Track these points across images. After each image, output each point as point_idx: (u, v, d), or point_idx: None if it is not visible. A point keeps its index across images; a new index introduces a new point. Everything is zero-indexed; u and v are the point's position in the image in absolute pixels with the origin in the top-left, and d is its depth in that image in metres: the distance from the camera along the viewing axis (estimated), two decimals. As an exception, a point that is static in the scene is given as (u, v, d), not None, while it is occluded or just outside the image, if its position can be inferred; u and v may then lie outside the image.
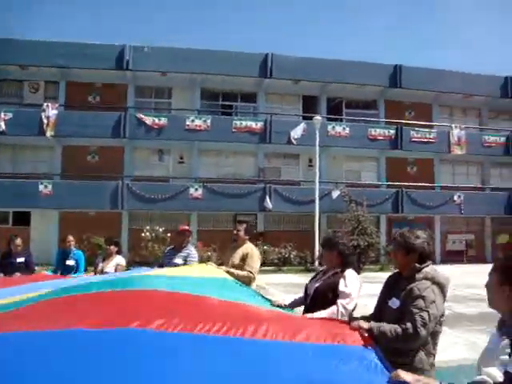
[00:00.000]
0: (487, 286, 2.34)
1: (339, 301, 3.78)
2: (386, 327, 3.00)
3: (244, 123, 25.14)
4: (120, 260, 7.56)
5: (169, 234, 21.55)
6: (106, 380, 2.06)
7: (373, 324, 3.01)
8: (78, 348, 2.27)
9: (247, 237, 5.92)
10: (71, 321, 2.55)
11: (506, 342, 2.12)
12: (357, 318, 3.20)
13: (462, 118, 30.49)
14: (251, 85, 26.74)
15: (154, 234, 22.45)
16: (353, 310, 3.86)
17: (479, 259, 27.07)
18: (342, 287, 3.84)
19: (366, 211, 23.55)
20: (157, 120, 24.37)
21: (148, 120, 24.22)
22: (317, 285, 4.03)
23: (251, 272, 5.57)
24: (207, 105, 27.25)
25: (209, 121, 24.78)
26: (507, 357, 2.03)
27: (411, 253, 3.24)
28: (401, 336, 2.95)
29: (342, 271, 3.96)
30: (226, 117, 26.02)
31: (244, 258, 5.66)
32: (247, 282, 5.38)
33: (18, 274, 6.79)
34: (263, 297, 4.22)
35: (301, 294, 4.34)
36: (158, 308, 2.84)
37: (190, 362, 2.22)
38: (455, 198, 27.35)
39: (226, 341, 2.45)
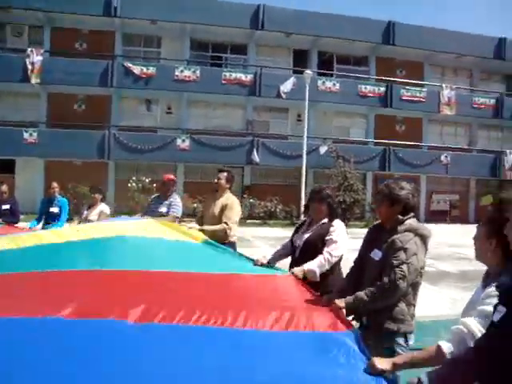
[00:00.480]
0: (475, 238, 2.36)
1: (325, 249, 3.84)
2: (361, 294, 3.02)
3: (234, 75, 24.86)
4: (104, 208, 7.55)
5: (155, 185, 21.51)
6: (78, 372, 1.99)
7: (347, 299, 3.02)
8: (55, 338, 2.23)
9: (228, 186, 5.80)
10: (46, 307, 2.51)
11: (490, 290, 2.14)
12: (335, 296, 3.18)
13: (452, 79, 30.40)
14: (242, 36, 26.30)
15: (140, 185, 22.39)
16: (340, 260, 3.94)
17: (462, 220, 27.50)
18: (329, 236, 3.91)
19: (352, 168, 23.75)
20: (145, 69, 23.96)
21: (136, 69, 23.80)
22: (306, 236, 4.06)
23: (226, 223, 5.45)
24: (197, 55, 26.76)
25: (198, 72, 24.44)
26: (487, 307, 2.05)
27: (395, 204, 3.21)
28: (379, 294, 2.98)
29: (330, 221, 4.02)
30: (216, 68, 25.68)
31: (223, 210, 5.56)
32: (223, 234, 5.38)
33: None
34: (246, 257, 4.14)
35: (279, 246, 4.40)
36: (134, 295, 2.77)
37: (169, 355, 2.16)
38: (442, 158, 27.52)
39: (205, 331, 2.41)
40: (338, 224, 4.00)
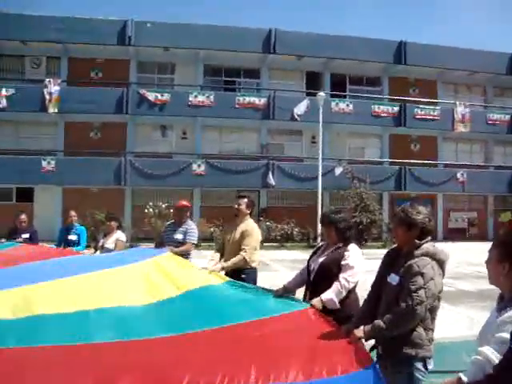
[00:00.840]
0: (487, 262, 2.35)
1: (341, 275, 3.83)
2: (378, 322, 3.03)
3: (247, 99, 25.07)
4: (120, 235, 7.54)
5: (172, 210, 21.62)
6: None
7: (366, 328, 3.04)
8: None
9: (248, 211, 5.76)
10: None
11: (506, 316, 2.13)
12: (354, 324, 3.21)
13: (466, 96, 30.29)
14: (254, 61, 26.58)
15: (156, 210, 22.48)
16: (355, 286, 3.93)
17: (481, 237, 27.17)
18: (344, 261, 3.89)
19: (368, 188, 23.70)
20: (159, 96, 24.31)
21: (150, 96, 24.15)
22: (321, 259, 4.06)
23: (245, 250, 5.45)
24: (210, 81, 27.13)
25: (212, 97, 24.71)
26: (503, 334, 2.04)
27: (413, 228, 3.19)
28: (397, 320, 2.98)
29: (345, 245, 4.02)
30: (229, 93, 25.94)
31: (243, 236, 5.55)
32: (243, 263, 5.43)
33: None
34: (264, 290, 4.09)
35: (298, 271, 4.37)
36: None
37: None
38: (458, 175, 27.33)
39: None
40: (353, 248, 4.00)
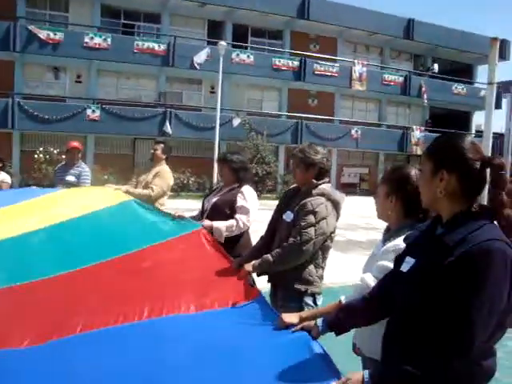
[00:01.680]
0: (375, 198, 2.48)
1: (239, 216, 3.84)
2: (267, 256, 3.08)
3: (146, 44, 24.19)
4: (4, 177, 7.20)
5: (63, 156, 20.78)
6: None
7: (254, 263, 3.07)
8: None
9: (164, 156, 5.80)
10: None
11: (389, 245, 2.25)
12: (245, 259, 3.22)
13: (364, 55, 31.32)
14: (155, 4, 25.62)
15: (47, 156, 21.55)
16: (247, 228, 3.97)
17: (371, 192, 28.51)
18: (240, 202, 3.90)
19: (265, 140, 24.09)
20: (52, 34, 22.75)
21: (42, 34, 22.54)
22: (214, 199, 4.07)
23: (152, 189, 5.48)
24: (108, 22, 25.77)
25: (109, 39, 23.53)
26: (386, 262, 2.14)
27: (310, 168, 3.24)
28: (285, 255, 3.05)
29: (239, 187, 4.01)
30: (128, 36, 24.84)
31: (154, 177, 5.61)
32: (147, 199, 5.28)
33: None
34: (164, 213, 3.96)
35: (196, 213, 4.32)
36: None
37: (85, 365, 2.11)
38: (353, 132, 28.49)
39: (119, 331, 2.40)
40: (247, 190, 4.01)
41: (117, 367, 2.05)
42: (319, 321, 2.02)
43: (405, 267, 1.80)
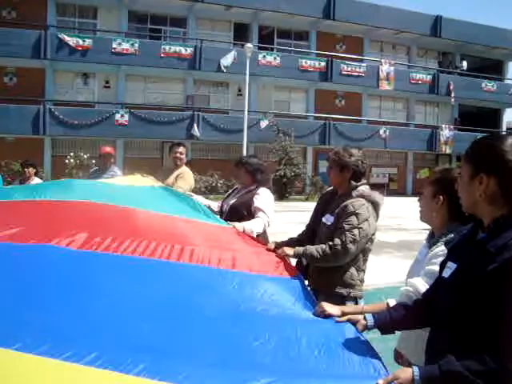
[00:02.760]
0: (420, 199, 2.45)
1: (261, 214, 3.92)
2: (311, 249, 3.08)
3: (173, 48, 24.41)
4: (38, 181, 7.12)
5: (94, 161, 21.08)
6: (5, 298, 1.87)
7: (297, 249, 3.08)
8: None
9: (185, 159, 5.92)
10: None
11: (437, 250, 2.23)
12: (280, 245, 3.20)
13: (391, 54, 31.10)
14: (181, 8, 25.82)
15: (78, 161, 21.86)
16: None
17: (400, 193, 28.49)
18: (258, 203, 3.97)
19: (293, 142, 24.09)
20: (81, 41, 23.16)
21: (71, 41, 22.98)
22: (232, 201, 4.15)
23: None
24: (135, 28, 26.22)
25: (136, 44, 23.83)
26: (434, 266, 2.12)
27: (345, 170, 3.25)
28: (329, 254, 3.03)
29: (256, 189, 4.10)
30: (155, 41, 25.12)
31: (176, 179, 5.63)
32: None
33: None
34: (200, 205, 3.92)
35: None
36: (80, 222, 2.66)
37: (109, 288, 2.06)
38: (381, 132, 28.27)
39: (150, 263, 2.37)
40: (264, 192, 4.09)
41: (148, 299, 2.00)
42: (369, 315, 1.95)
43: (446, 272, 1.79)
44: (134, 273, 2.24)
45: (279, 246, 3.13)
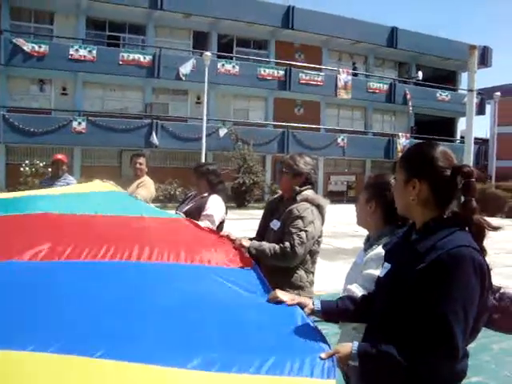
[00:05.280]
0: (357, 204, 2.57)
1: (205, 222, 4.03)
2: (265, 246, 3.21)
3: (132, 56, 24.82)
4: None
5: (50, 169, 21.19)
6: None
7: (253, 242, 3.21)
8: None
9: (146, 169, 6.01)
10: None
11: (372, 253, 2.33)
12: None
13: (349, 64, 32.35)
14: (140, 16, 26.30)
15: (33, 169, 21.91)
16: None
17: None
18: (206, 211, 4.21)
19: (252, 150, 24.80)
20: (37, 47, 23.23)
21: (27, 46, 23.02)
22: (186, 208, 4.36)
23: (136, 198, 5.56)
24: (93, 34, 26.49)
25: (94, 51, 24.14)
26: (370, 270, 2.21)
27: (298, 177, 3.39)
28: (279, 254, 3.17)
29: (209, 196, 4.35)
30: (113, 48, 25.45)
31: (137, 187, 5.74)
32: None
33: None
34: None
35: None
36: (42, 234, 2.75)
37: (72, 291, 2.17)
38: (339, 140, 29.41)
39: (112, 265, 2.48)
40: (214, 198, 4.32)
41: (104, 297, 2.11)
42: (316, 301, 2.04)
43: (382, 272, 1.90)
44: (96, 275, 2.36)
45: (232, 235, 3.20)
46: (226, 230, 3.42)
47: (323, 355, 1.68)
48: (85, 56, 23.96)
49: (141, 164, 5.92)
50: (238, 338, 1.86)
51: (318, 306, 2.01)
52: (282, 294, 2.14)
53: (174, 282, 2.37)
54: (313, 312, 2.01)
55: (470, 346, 1.74)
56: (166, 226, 3.31)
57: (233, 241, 3.07)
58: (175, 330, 1.88)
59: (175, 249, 2.72)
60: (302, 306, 2.03)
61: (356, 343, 1.70)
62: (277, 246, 3.19)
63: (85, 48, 24.22)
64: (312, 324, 1.95)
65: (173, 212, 4.55)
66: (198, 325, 1.93)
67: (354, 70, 30.61)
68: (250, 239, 3.42)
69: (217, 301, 2.18)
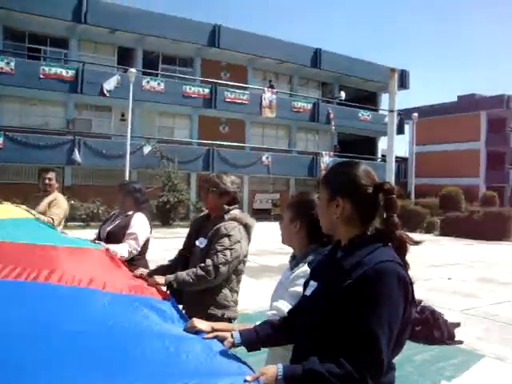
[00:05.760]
0: (281, 224, 2.52)
1: (128, 241, 4.14)
2: (183, 274, 3.12)
3: (53, 70, 24.25)
4: None
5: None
6: None
7: (168, 277, 3.08)
8: None
9: (57, 184, 5.84)
10: None
11: (298, 271, 2.31)
12: (150, 274, 3.15)
13: (274, 83, 33.15)
14: (63, 29, 25.88)
15: None
16: (143, 251, 4.32)
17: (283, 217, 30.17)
18: (131, 229, 4.21)
19: (177, 168, 24.91)
20: None
21: None
22: (109, 228, 4.33)
23: (52, 219, 5.31)
24: (11, 45, 25.68)
25: (12, 63, 23.31)
26: (297, 288, 2.18)
27: (224, 196, 3.40)
28: (201, 275, 3.12)
29: (133, 214, 4.33)
30: (34, 61, 24.78)
31: (49, 206, 5.54)
32: None
33: None
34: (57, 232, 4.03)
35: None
36: None
37: None
38: (263, 158, 30.05)
39: (15, 285, 2.35)
40: (138, 217, 4.32)
41: (8, 318, 1.98)
42: (235, 333, 1.97)
43: (308, 291, 1.90)
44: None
45: (149, 275, 3.09)
46: (140, 269, 3.24)
47: (248, 378, 1.65)
48: (2, 68, 23.11)
49: (50, 180, 5.73)
50: (157, 365, 1.78)
51: (237, 338, 1.94)
52: (199, 323, 2.10)
53: (86, 306, 2.25)
54: (233, 345, 1.94)
55: (396, 358, 1.77)
56: (81, 253, 3.19)
57: (146, 280, 2.96)
58: (86, 357, 1.77)
59: (89, 274, 2.61)
60: (220, 339, 1.96)
61: (281, 366, 1.69)
62: (195, 269, 3.16)
63: (2, 60, 23.31)
64: (232, 355, 1.89)
65: (95, 231, 4.59)
66: (112, 352, 1.84)
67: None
68: (163, 268, 3.42)
69: (131, 328, 2.08)
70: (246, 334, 1.97)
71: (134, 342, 1.94)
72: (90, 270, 2.76)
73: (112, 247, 3.86)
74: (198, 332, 2.06)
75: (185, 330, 2.11)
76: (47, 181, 5.68)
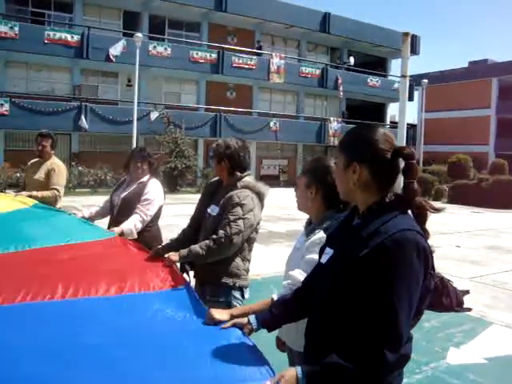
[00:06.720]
0: (296, 189, 2.52)
1: (140, 208, 4.21)
2: (196, 247, 3.12)
3: (58, 35, 23.94)
4: None
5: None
6: None
7: (182, 252, 3.09)
8: None
9: (53, 151, 5.63)
10: None
11: (314, 238, 2.30)
12: (163, 250, 3.22)
13: (282, 48, 32.83)
14: (67, -8, 25.42)
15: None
16: (156, 217, 4.39)
17: (291, 183, 30.23)
18: (145, 194, 4.26)
19: (184, 134, 24.86)
20: (-50, 21, 22.07)
21: None
22: (123, 194, 4.36)
23: (57, 190, 5.35)
24: (14, 9, 25.26)
25: (16, 28, 22.96)
26: (313, 255, 2.15)
27: (222, 162, 3.37)
28: (214, 248, 3.11)
29: (148, 180, 4.38)
30: (38, 25, 24.43)
31: (49, 175, 5.42)
32: (53, 201, 5.22)
33: None
34: (68, 213, 4.15)
35: (97, 207, 4.60)
36: None
37: None
38: (271, 124, 29.92)
39: (33, 307, 2.32)
40: (154, 183, 4.40)
41: (26, 342, 1.98)
42: (252, 318, 1.98)
43: (324, 258, 1.86)
44: (15, 320, 2.22)
45: (163, 251, 3.16)
46: (153, 248, 3.31)
47: (269, 383, 1.64)
48: (6, 32, 22.73)
49: (44, 146, 5.51)
50: (180, 370, 1.80)
51: (254, 323, 1.95)
52: (217, 314, 2.10)
53: (102, 317, 2.27)
54: (252, 330, 1.97)
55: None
56: (94, 253, 3.18)
57: (162, 258, 3.02)
58: (107, 370, 1.79)
59: (103, 279, 2.62)
60: (239, 326, 1.98)
61: (299, 368, 1.64)
62: (208, 242, 3.14)
63: (5, 24, 22.92)
64: (252, 347, 1.92)
65: (103, 197, 4.57)
66: (133, 362, 1.85)
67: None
68: (175, 243, 3.41)
69: (149, 333, 2.11)
70: (262, 316, 1.98)
71: (151, 347, 1.95)
72: (105, 271, 2.79)
73: (125, 225, 4.03)
74: (217, 323, 2.06)
75: (203, 323, 2.13)
76: (40, 147, 5.51)
